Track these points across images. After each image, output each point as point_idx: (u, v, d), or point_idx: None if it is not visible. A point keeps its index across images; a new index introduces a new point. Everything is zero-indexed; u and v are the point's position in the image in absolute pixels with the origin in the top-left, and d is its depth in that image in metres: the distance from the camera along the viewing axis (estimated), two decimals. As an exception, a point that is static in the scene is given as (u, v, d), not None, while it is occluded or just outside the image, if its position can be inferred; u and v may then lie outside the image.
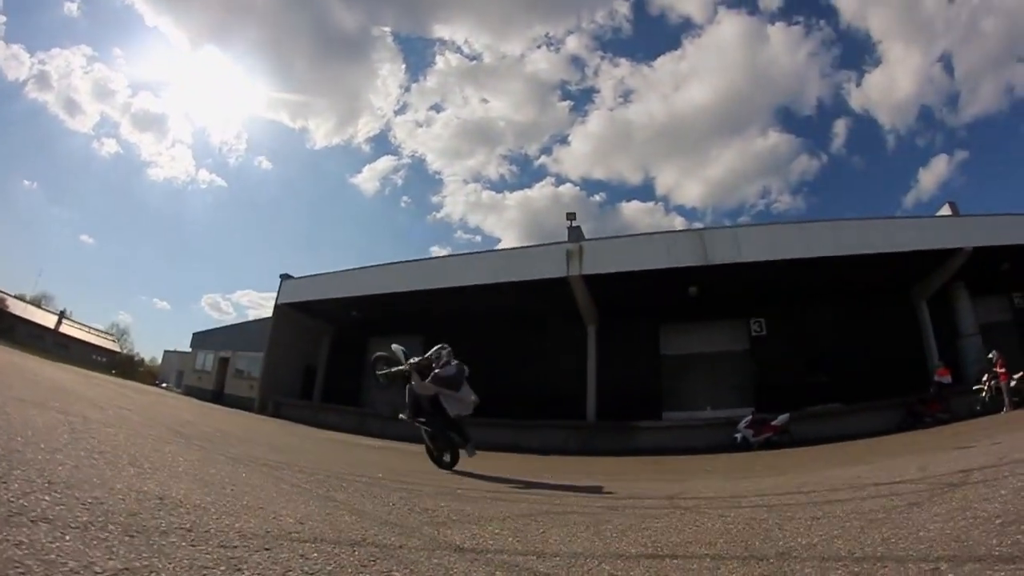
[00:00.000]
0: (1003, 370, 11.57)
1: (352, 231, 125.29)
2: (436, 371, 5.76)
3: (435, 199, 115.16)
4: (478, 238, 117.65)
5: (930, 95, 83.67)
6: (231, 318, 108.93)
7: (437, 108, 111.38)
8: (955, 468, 3.54)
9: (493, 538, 2.13)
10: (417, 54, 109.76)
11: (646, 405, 15.00)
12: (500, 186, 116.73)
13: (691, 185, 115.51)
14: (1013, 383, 11.35)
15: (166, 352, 44.30)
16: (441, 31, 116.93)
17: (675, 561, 1.82)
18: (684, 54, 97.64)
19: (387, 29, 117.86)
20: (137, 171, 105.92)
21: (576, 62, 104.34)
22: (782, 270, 13.99)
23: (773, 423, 12.00)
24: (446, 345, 6.08)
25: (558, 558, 1.85)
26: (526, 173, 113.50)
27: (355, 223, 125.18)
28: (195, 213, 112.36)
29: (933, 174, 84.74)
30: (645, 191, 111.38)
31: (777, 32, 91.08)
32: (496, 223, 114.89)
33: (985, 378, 12.18)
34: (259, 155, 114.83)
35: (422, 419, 5.92)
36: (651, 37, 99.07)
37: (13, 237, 78.65)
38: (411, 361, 5.95)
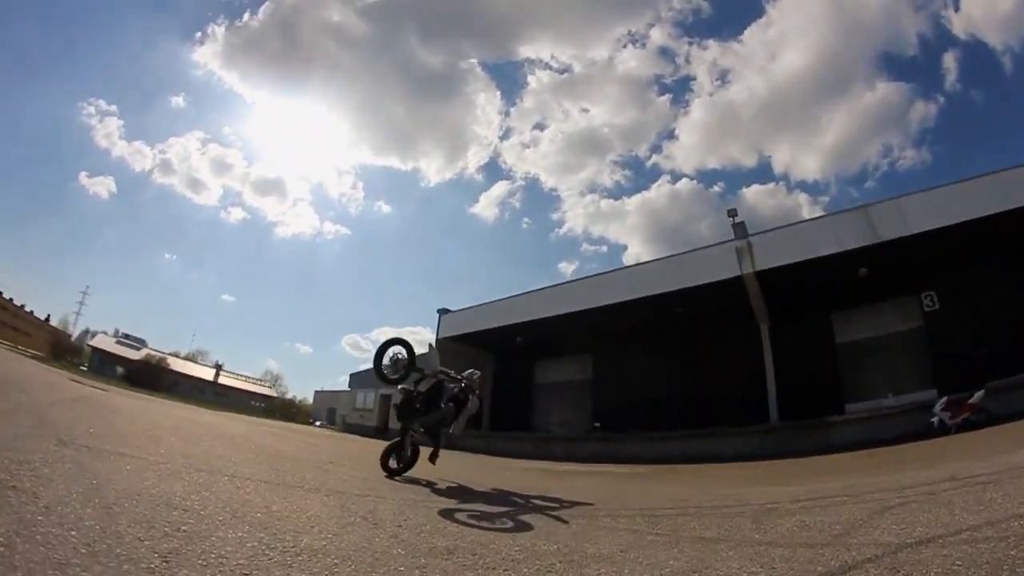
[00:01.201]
0: None
1: (479, 259, 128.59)
2: (472, 395, 6.02)
3: (555, 216, 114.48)
4: (604, 248, 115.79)
5: None
6: (371, 355, 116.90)
7: (540, 126, 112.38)
8: None
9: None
10: (508, 78, 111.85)
11: (827, 399, 14.71)
12: (617, 192, 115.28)
13: (808, 158, 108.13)
14: None
15: (316, 392, 47.99)
16: (526, 51, 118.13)
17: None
18: (770, 20, 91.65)
19: (473, 61, 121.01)
20: (265, 232, 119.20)
21: (665, 53, 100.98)
22: (950, 236, 13.11)
23: (970, 401, 11.08)
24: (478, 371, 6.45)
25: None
26: (640, 175, 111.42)
27: (481, 251, 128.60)
28: (325, 262, 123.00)
29: None
30: (763, 173, 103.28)
31: None
32: (620, 230, 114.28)
33: None
34: (377, 200, 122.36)
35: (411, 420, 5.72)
36: (732, 9, 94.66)
37: (163, 304, 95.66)
38: (441, 369, 5.95)
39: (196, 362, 51.10)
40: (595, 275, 19.16)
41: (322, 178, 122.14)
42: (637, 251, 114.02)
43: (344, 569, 1.90)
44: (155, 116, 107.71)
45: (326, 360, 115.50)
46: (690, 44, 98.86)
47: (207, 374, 48.22)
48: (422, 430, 5.82)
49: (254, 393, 50.73)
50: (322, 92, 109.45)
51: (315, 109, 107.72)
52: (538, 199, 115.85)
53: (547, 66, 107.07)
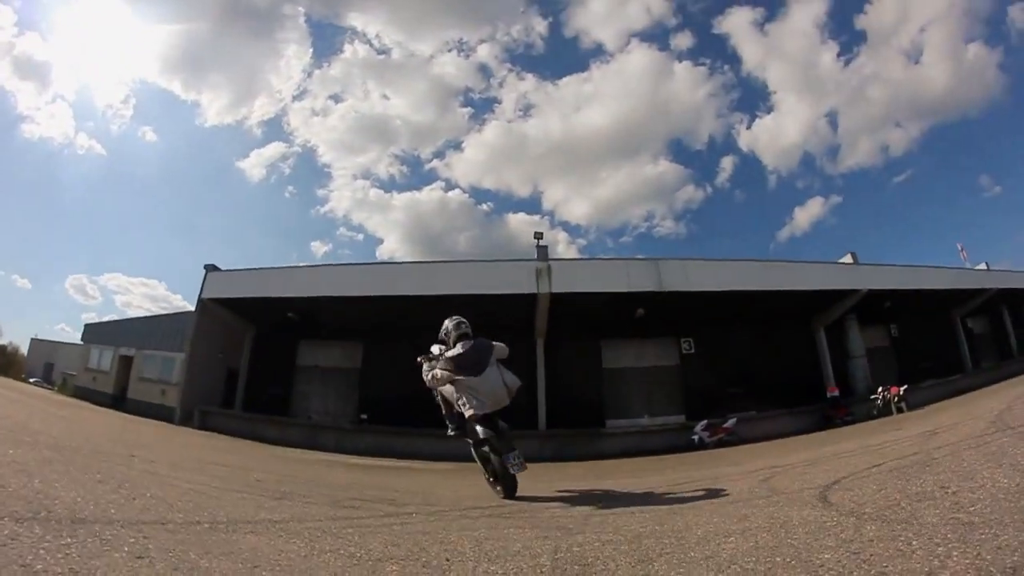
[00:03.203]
0: (894, 386, 14.90)
1: (232, 218, 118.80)
2: (445, 353, 4.64)
3: (321, 192, 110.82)
4: (360, 236, 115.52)
5: (814, 144, 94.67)
6: (96, 303, 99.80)
7: (336, 98, 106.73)
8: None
9: None
10: (326, 39, 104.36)
11: (592, 414, 16.35)
12: (389, 185, 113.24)
13: (578, 202, 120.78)
14: (900, 395, 14.54)
15: (33, 340, 38.59)
16: (355, 19, 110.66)
17: None
18: (590, 77, 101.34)
19: (300, 9, 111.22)
20: (10, 125, 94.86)
21: (484, 70, 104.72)
22: (714, 297, 15.92)
23: (724, 425, 14.03)
24: (458, 318, 4.96)
25: None
26: (416, 175, 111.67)
27: (236, 209, 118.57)
28: (68, 180, 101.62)
29: (808, 213, 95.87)
30: (532, 204, 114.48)
31: (683, 69, 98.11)
32: (380, 223, 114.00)
33: (879, 390, 15.40)
34: (144, 125, 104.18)
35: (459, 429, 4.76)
36: (561, 57, 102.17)
37: None
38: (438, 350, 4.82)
39: None
40: (385, 263, 17.97)
41: (93, 79, 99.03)
42: (393, 247, 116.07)
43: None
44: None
45: (44, 300, 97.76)
46: (510, 71, 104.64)
47: None
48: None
49: (-53, 329, 39.13)
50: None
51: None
52: (309, 171, 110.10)
53: (368, 42, 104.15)
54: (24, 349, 40.01)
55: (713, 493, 3.71)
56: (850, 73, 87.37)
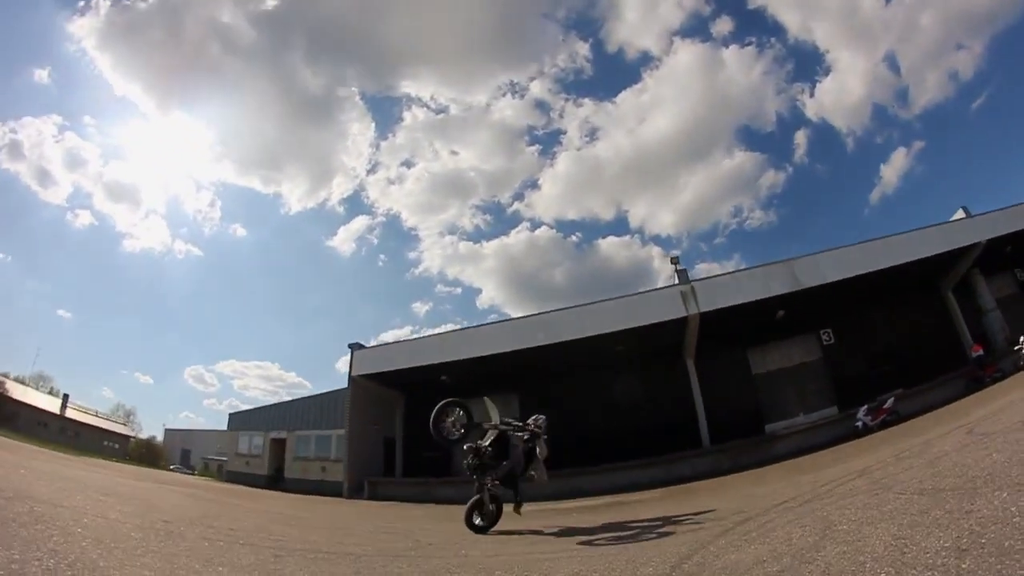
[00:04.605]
0: None
1: (332, 294, 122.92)
2: (540, 440, 6.19)
3: (412, 255, 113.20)
4: (458, 290, 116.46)
5: (880, 94, 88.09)
6: (215, 390, 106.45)
7: (408, 164, 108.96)
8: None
9: None
10: (384, 112, 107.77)
11: (749, 422, 16.82)
12: (476, 236, 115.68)
13: (664, 214, 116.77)
14: None
15: (167, 430, 41.74)
16: (407, 87, 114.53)
17: None
18: (645, 87, 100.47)
19: (354, 89, 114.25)
20: (113, 242, 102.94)
21: (541, 106, 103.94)
22: (843, 285, 16.19)
23: (884, 406, 14.28)
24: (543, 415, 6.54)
25: None
26: (501, 221, 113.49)
27: (335, 286, 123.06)
28: (173, 284, 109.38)
29: (894, 168, 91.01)
30: (619, 225, 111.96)
31: (731, 55, 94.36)
32: (475, 273, 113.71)
33: (1022, 339, 15.10)
34: (234, 223, 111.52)
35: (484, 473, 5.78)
36: (612, 74, 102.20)
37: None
38: (504, 420, 6.18)
39: (37, 389, 41.42)
40: (533, 315, 18.81)
41: (179, 191, 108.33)
42: (492, 294, 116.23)
43: None
44: (12, 87, 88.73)
45: (166, 393, 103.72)
46: (567, 100, 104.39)
47: (51, 405, 39.13)
48: (497, 482, 5.80)
49: (106, 431, 42.14)
50: (196, 96, 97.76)
51: (184, 113, 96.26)
52: (397, 237, 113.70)
53: (425, 104, 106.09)
54: (159, 437, 42.83)
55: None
56: (894, 8, 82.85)
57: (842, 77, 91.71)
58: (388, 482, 18.78)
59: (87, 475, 9.69)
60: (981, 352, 16.55)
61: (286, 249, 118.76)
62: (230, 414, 28.89)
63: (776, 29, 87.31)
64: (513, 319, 18.65)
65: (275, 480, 23.39)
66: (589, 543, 4.33)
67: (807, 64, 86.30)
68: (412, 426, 20.43)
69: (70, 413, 39.47)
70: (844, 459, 7.94)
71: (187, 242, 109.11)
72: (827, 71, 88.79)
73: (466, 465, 5.90)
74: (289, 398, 31.80)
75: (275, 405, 27.06)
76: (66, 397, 40.91)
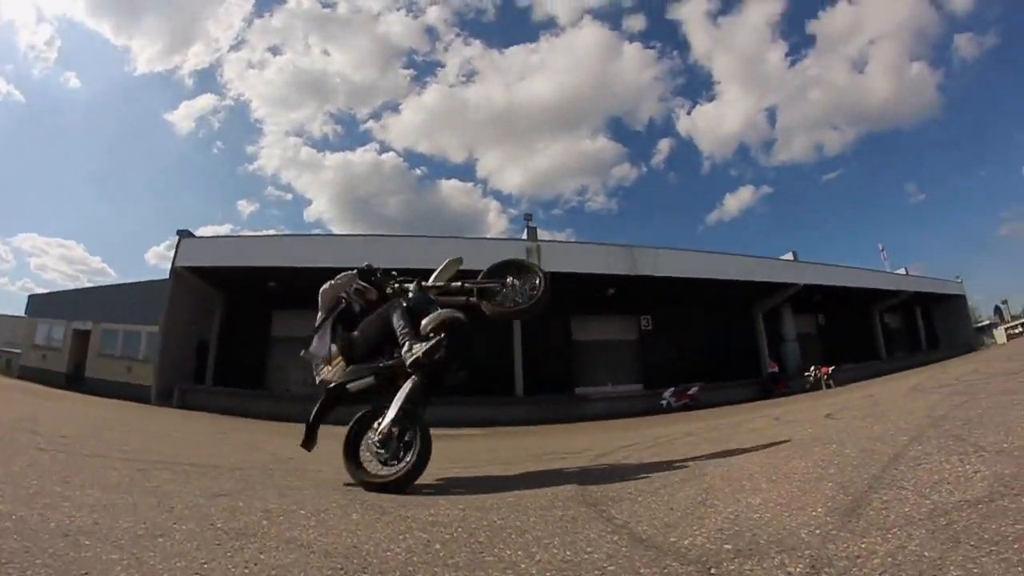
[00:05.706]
0: (824, 366, 17.58)
1: (155, 174, 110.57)
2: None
3: (251, 149, 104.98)
4: (289, 196, 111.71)
5: (751, 136, 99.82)
6: (9, 267, 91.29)
7: (275, 51, 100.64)
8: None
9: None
10: None
11: (561, 381, 17.95)
12: (321, 145, 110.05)
13: (513, 172, 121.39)
14: (829, 374, 17.18)
15: None
16: None
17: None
18: (538, 48, 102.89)
19: None
20: None
21: (431, 32, 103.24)
22: (673, 282, 17.74)
23: (689, 392, 16.04)
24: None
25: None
26: (351, 135, 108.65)
27: (160, 166, 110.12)
28: None
29: (738, 200, 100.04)
30: (466, 171, 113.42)
31: (632, 50, 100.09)
32: (310, 183, 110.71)
33: (812, 368, 18.04)
34: (69, 70, 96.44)
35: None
36: (512, 26, 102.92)
37: None
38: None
39: None
40: (385, 235, 18.25)
41: (15, 17, 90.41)
42: (322, 208, 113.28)
43: None
44: None
45: None
46: (458, 35, 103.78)
47: None
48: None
49: None
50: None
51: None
52: (240, 126, 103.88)
53: None
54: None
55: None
56: (795, 73, 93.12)
57: (723, 109, 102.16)
58: (201, 390, 17.04)
59: None
60: (776, 369, 19.26)
61: (118, 113, 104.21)
62: (30, 296, 24.85)
63: (682, 45, 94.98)
64: (352, 235, 17.78)
65: (74, 379, 20.28)
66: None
67: (696, 86, 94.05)
68: (230, 331, 18.95)
69: None
70: (660, 426, 8.24)
71: (9, 82, 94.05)
72: (711, 98, 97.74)
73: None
74: (91, 285, 27.80)
75: (81, 290, 23.81)
76: None
